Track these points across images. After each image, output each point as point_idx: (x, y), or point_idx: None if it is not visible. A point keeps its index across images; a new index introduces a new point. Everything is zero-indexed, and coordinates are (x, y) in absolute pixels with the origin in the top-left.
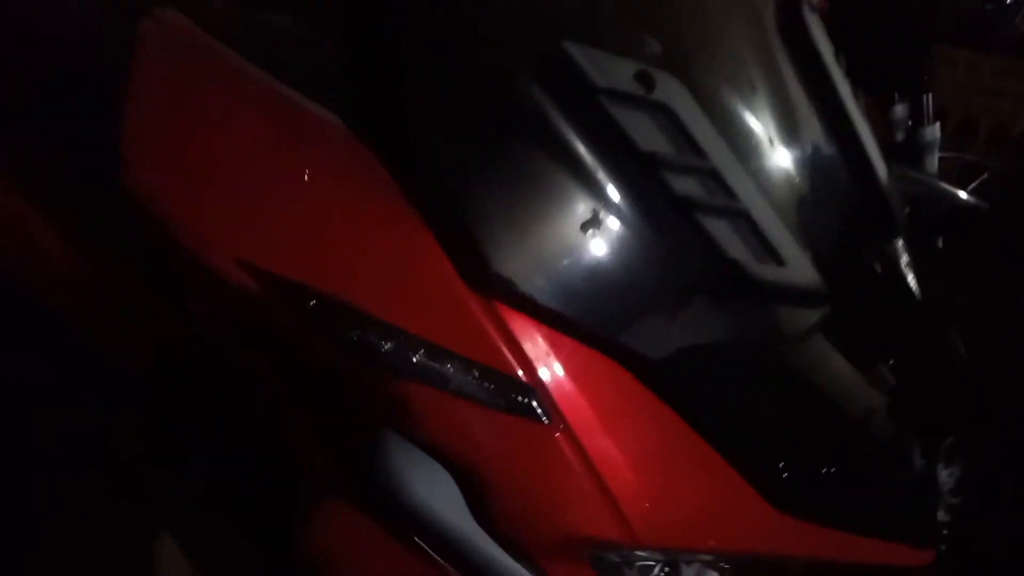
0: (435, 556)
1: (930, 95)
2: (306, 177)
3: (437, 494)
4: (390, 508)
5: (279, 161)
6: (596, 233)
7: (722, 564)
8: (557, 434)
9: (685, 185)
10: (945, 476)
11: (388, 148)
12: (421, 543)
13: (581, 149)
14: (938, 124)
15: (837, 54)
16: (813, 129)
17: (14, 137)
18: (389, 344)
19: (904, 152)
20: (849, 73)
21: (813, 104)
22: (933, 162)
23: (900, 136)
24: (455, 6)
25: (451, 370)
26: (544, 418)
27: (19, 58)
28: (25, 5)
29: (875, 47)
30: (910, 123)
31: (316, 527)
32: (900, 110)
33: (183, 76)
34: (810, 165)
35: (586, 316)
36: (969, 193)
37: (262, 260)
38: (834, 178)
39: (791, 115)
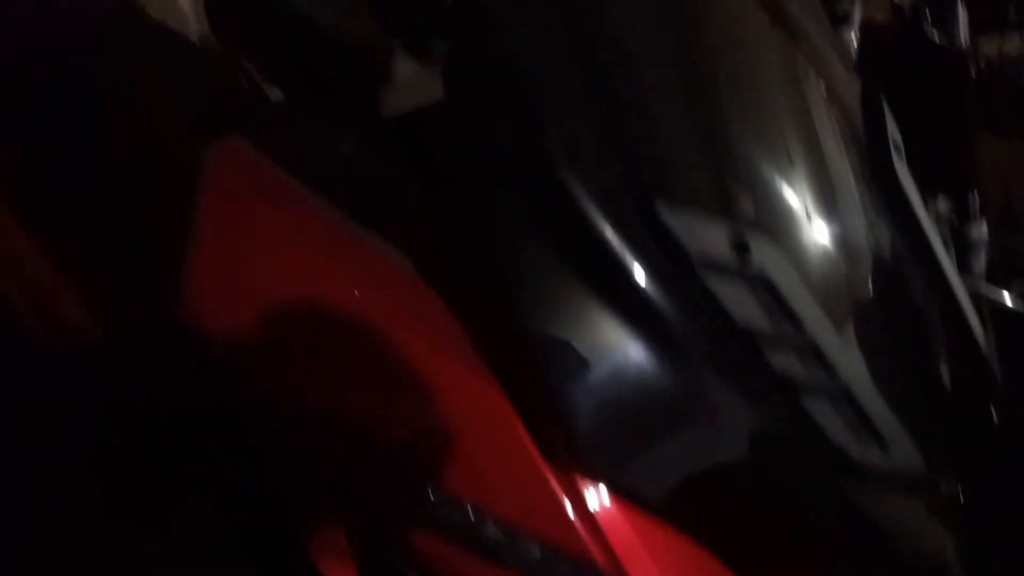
0: None
1: (975, 190)
2: (374, 329)
3: None
4: None
5: (347, 311)
6: (689, 413)
7: None
8: None
9: (784, 362)
10: None
11: (462, 301)
12: None
13: (676, 324)
14: (984, 221)
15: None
16: (909, 290)
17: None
18: (456, 515)
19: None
20: None
21: (906, 262)
22: (980, 263)
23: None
24: (541, 160)
25: (522, 550)
26: None
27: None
28: None
29: (914, 141)
30: (955, 221)
31: None
32: (943, 207)
33: (252, 214)
34: (907, 331)
35: (678, 501)
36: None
37: (325, 411)
38: (932, 345)
39: (887, 276)
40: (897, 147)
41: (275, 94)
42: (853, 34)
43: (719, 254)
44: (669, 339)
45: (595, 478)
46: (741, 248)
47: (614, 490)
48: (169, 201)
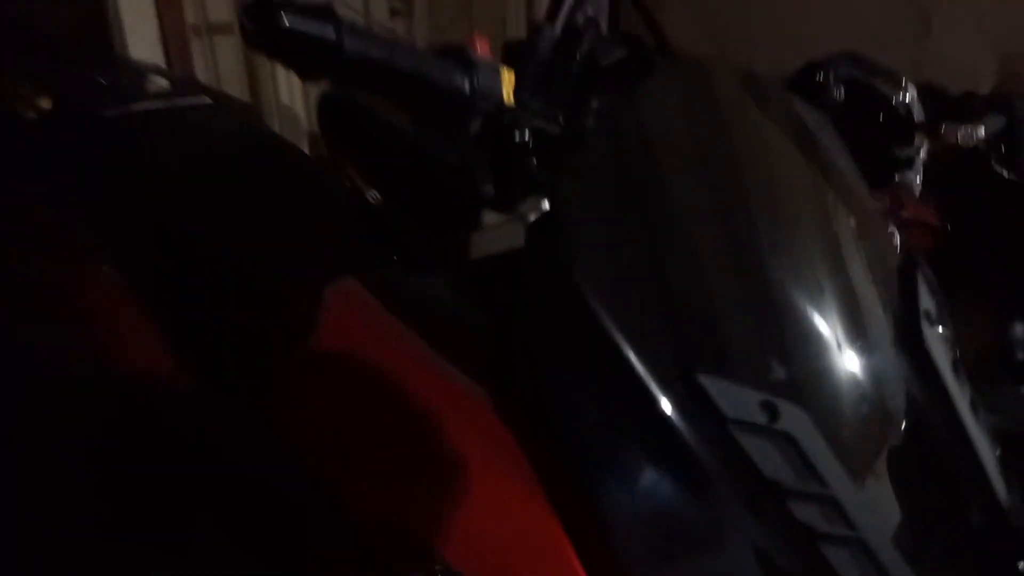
0: None
1: None
2: (449, 452)
3: None
4: None
5: (430, 432)
6: (721, 555)
7: None
8: None
9: (806, 511)
10: None
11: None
12: None
13: (711, 469)
14: None
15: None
16: (932, 452)
17: None
18: None
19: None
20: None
21: (932, 425)
22: None
23: (1021, 356)
24: (602, 335)
25: None
26: None
27: None
28: None
29: (989, 267)
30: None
31: None
32: (1020, 330)
33: (361, 348)
34: (928, 492)
35: None
36: None
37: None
38: (953, 506)
39: (913, 434)
40: (928, 315)
41: (374, 196)
42: (917, 178)
43: (750, 416)
44: (705, 478)
45: None
46: (771, 412)
47: None
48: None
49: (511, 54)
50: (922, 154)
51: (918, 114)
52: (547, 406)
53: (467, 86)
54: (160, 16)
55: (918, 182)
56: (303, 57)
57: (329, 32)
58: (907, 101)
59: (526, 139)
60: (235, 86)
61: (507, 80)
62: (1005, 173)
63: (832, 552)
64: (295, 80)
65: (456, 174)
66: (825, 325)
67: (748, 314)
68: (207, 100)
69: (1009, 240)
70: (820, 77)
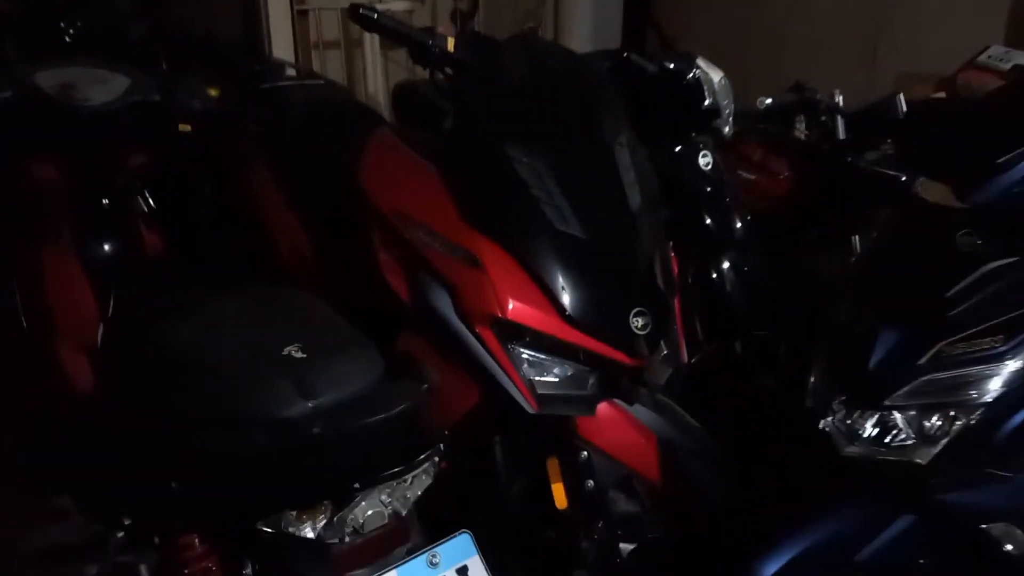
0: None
1: None
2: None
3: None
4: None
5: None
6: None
7: None
8: (481, 273)
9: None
10: None
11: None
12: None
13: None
14: None
15: None
16: None
17: None
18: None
19: None
20: None
21: None
22: None
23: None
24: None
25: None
26: (476, 265)
27: None
28: None
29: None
30: None
31: None
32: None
33: (389, 151)
34: None
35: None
36: None
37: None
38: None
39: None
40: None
41: None
42: (726, 128)
43: (524, 159)
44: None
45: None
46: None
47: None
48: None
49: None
50: (726, 115)
51: (715, 89)
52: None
53: (430, 42)
54: (295, 34)
55: (726, 132)
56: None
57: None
58: (698, 77)
59: (453, 63)
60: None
61: (450, 43)
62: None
63: (548, 207)
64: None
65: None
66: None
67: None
68: (320, 82)
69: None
70: (630, 61)
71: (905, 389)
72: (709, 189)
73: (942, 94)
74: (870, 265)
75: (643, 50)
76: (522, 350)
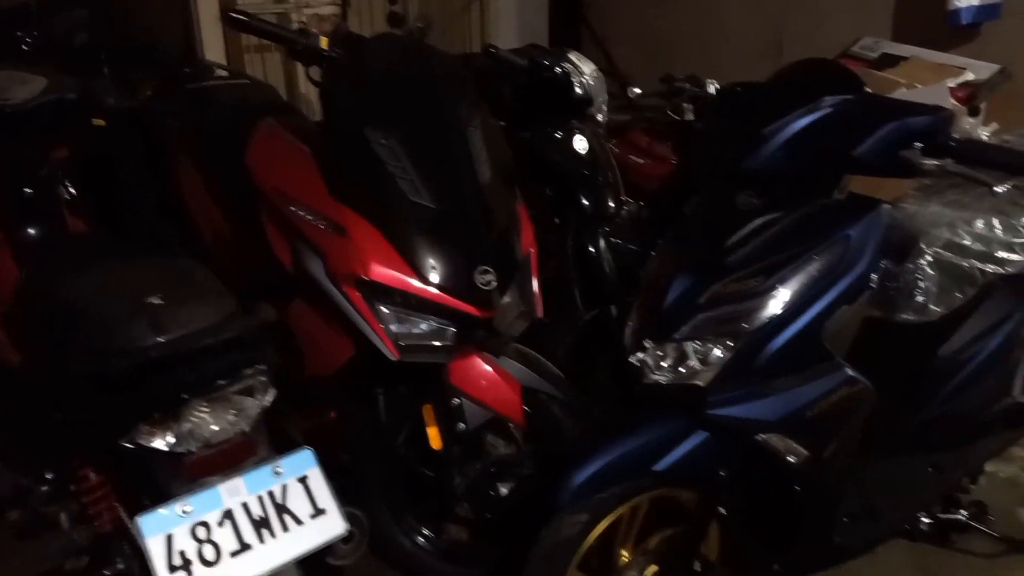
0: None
1: None
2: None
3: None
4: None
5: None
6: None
7: None
8: (347, 240)
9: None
10: None
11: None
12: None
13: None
14: None
15: None
16: None
17: None
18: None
19: None
20: None
21: None
22: None
23: None
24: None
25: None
26: (342, 233)
27: None
28: None
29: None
30: None
31: None
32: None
33: (271, 138)
34: None
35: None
36: None
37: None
38: None
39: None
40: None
41: None
42: (600, 116)
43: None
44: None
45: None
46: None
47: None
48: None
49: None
50: (599, 103)
51: (586, 80)
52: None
53: (304, 41)
54: (226, 40)
55: (600, 118)
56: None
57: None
58: (567, 70)
59: (325, 59)
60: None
61: (324, 41)
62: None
63: (405, 182)
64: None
65: None
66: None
67: None
68: (246, 81)
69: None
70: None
71: (689, 324)
72: (585, 171)
73: None
74: (680, 227)
75: (579, 49)
76: (388, 307)
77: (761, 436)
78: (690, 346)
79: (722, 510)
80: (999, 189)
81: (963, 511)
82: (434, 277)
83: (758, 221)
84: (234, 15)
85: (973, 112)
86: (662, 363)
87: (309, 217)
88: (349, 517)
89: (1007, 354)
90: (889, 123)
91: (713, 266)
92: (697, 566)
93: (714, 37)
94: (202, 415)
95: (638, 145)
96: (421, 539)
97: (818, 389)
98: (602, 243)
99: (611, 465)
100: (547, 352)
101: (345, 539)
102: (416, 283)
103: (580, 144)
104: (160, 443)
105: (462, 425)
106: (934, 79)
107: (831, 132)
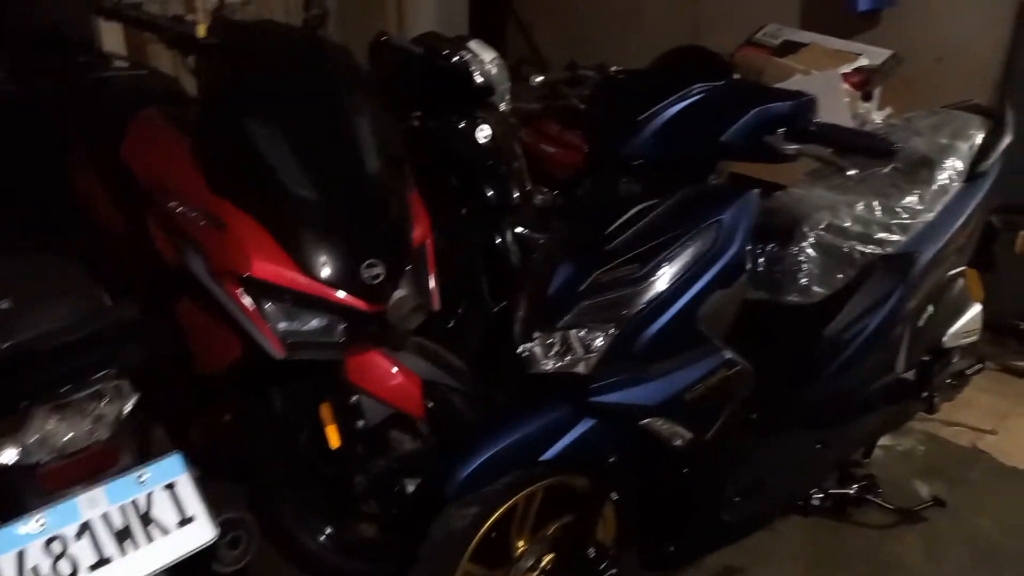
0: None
1: None
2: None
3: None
4: None
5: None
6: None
7: None
8: (227, 235)
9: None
10: None
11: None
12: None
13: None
14: None
15: None
16: None
17: None
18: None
19: None
20: None
21: None
22: None
23: None
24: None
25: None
26: (222, 229)
27: None
28: None
29: None
30: None
31: None
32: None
33: (148, 129)
34: None
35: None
36: None
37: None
38: None
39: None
40: None
41: None
42: (503, 106)
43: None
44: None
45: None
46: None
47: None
48: None
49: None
50: (502, 91)
51: (487, 69)
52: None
53: (181, 29)
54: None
55: (502, 108)
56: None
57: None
58: (465, 58)
59: (203, 48)
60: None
61: (201, 29)
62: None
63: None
64: None
65: None
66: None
67: None
68: (144, 72)
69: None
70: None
71: (571, 312)
72: (488, 161)
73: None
74: (568, 214)
75: (504, 36)
76: (273, 304)
77: (644, 421)
78: (573, 334)
79: (615, 495)
80: (851, 172)
81: (855, 485)
82: (319, 272)
83: (638, 207)
84: (103, 4)
85: (867, 97)
86: (549, 352)
87: (188, 212)
88: (232, 522)
89: (889, 332)
90: (753, 109)
91: (595, 253)
92: (592, 552)
93: (632, 23)
94: (52, 424)
95: (549, 133)
96: (324, 538)
97: (696, 372)
98: (508, 234)
99: (498, 456)
100: (458, 345)
101: (231, 544)
102: (300, 279)
103: (483, 134)
104: (4, 455)
105: (361, 422)
106: (831, 65)
107: (701, 118)
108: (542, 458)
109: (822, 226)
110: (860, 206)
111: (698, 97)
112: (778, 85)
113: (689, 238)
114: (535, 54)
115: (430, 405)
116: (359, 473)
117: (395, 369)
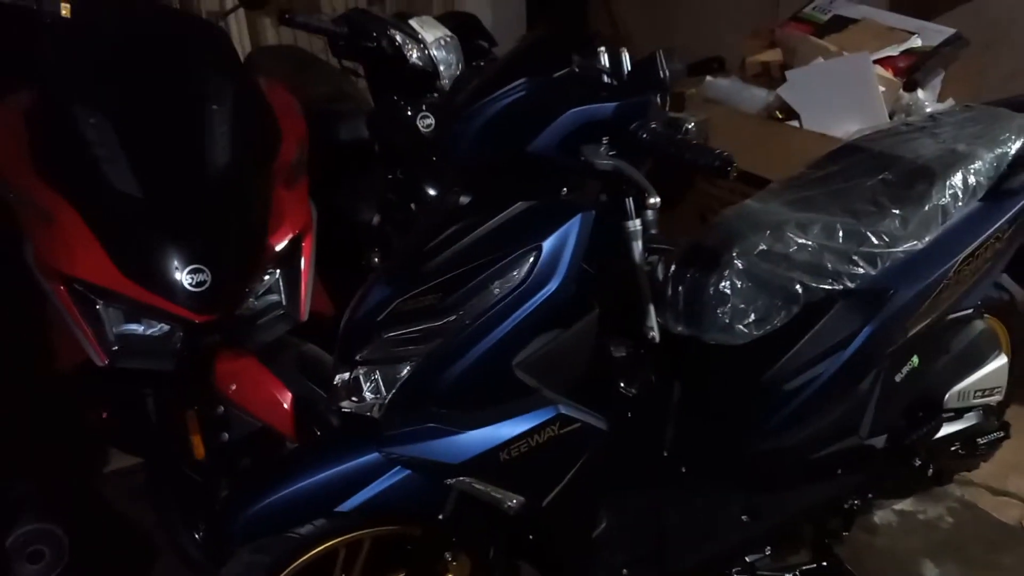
0: None
1: None
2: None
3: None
4: None
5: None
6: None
7: None
8: (54, 229)
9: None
10: None
11: None
12: None
13: None
14: None
15: None
16: None
17: None
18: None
19: None
20: None
21: None
22: None
23: None
24: None
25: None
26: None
27: None
28: None
29: None
30: None
31: None
32: None
33: None
34: None
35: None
36: None
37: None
38: None
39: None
40: None
41: None
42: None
43: None
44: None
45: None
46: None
47: None
48: None
49: None
50: (452, 72)
51: (431, 50)
52: None
53: (40, 7)
54: None
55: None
56: None
57: None
58: (394, 42)
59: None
60: None
61: (65, 9)
62: None
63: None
64: None
65: None
66: None
67: None
68: None
69: None
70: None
71: (370, 346)
72: (432, 156)
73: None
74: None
75: (585, 8)
76: (105, 306)
77: (451, 480)
78: (367, 372)
79: (448, 555)
80: (652, 200)
81: (803, 567)
82: (138, 277)
83: (460, 224)
84: None
85: (911, 85)
86: (347, 389)
87: (20, 200)
88: (43, 535)
89: (846, 385)
90: (568, 110)
91: (406, 275)
92: None
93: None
94: None
95: None
96: (199, 537)
97: (514, 428)
98: None
99: (284, 500)
100: None
101: (31, 559)
102: (122, 282)
103: (425, 123)
104: None
105: (226, 435)
106: (875, 46)
107: (518, 120)
108: (340, 508)
109: (755, 252)
110: (816, 228)
111: (520, 94)
112: (794, 70)
113: (498, 268)
114: (614, 29)
115: (299, 422)
116: (225, 480)
117: (266, 382)
